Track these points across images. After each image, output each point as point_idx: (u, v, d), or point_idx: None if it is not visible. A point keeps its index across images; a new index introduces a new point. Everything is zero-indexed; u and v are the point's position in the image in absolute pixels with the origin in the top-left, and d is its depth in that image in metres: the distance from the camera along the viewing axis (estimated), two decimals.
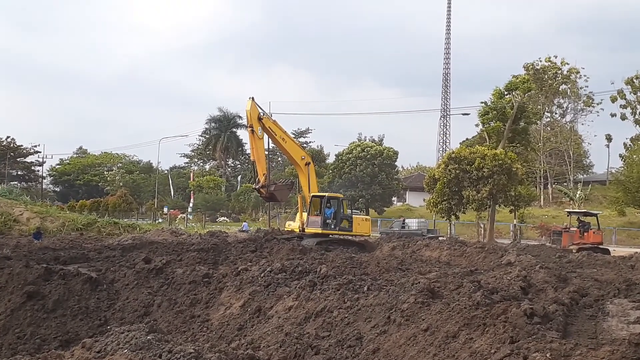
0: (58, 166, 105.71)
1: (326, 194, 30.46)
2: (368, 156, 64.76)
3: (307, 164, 30.66)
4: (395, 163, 69.96)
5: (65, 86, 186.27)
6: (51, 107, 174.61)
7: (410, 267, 17.57)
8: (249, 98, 28.57)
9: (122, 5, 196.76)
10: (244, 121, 35.01)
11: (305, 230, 29.27)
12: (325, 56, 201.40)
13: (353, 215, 30.48)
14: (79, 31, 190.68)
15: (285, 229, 31.97)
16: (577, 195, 60.04)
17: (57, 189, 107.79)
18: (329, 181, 66.56)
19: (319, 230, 28.48)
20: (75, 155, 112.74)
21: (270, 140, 31.55)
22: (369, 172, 64.04)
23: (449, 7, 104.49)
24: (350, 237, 29.13)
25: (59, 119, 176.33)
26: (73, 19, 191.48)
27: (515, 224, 51.44)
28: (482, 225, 48.99)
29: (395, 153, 67.33)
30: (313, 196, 29.91)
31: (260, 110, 28.98)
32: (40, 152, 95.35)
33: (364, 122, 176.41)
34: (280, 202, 41.22)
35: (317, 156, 73.36)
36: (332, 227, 28.75)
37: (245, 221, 59.31)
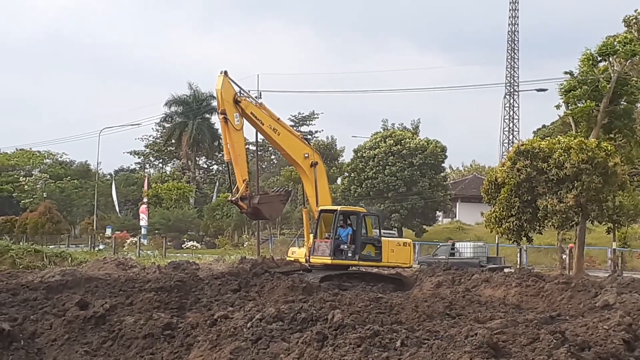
0: None
1: (338, 208, 30.55)
2: (404, 152, 64.61)
3: (314, 164, 30.65)
4: (443, 164, 70.07)
5: None
6: None
7: (463, 313, 17.55)
8: (220, 73, 28.71)
9: None
10: None
11: (311, 259, 29.31)
12: (337, 6, 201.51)
13: (383, 238, 30.45)
14: None
15: (288, 259, 32.06)
16: None
17: None
18: (343, 189, 66.55)
19: (328, 260, 28.50)
20: None
21: (257, 131, 31.61)
22: (406, 176, 63.86)
23: None
24: (377, 270, 29.24)
25: None
26: None
27: (614, 249, 51.25)
28: (566, 251, 48.83)
29: (443, 149, 67.33)
30: (321, 211, 29.97)
31: (236, 89, 29.08)
32: None
33: (391, 102, 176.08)
34: (270, 220, 41.26)
35: (327, 152, 73.47)
36: (349, 255, 28.76)
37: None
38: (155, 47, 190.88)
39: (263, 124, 29.66)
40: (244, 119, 29.07)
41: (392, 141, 65.82)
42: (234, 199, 28.85)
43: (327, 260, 28.56)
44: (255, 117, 29.35)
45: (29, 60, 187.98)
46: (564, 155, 40.24)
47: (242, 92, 29.57)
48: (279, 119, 30.61)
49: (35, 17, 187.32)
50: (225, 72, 28.57)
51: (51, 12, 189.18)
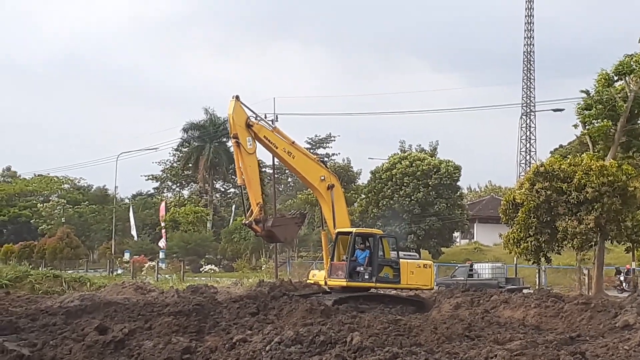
0: None
1: (353, 230, 30.52)
2: (419, 173, 64.68)
3: (330, 186, 30.64)
4: (458, 183, 69.94)
5: None
6: None
7: (482, 334, 17.50)
8: (232, 97, 28.89)
9: None
10: None
11: (327, 282, 29.37)
12: (351, 28, 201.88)
13: (402, 260, 30.39)
14: None
15: (308, 282, 32.09)
16: None
17: None
18: (360, 210, 66.50)
19: (344, 283, 28.53)
20: None
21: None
22: (422, 197, 63.87)
23: None
24: (396, 292, 29.19)
25: None
26: None
27: (634, 269, 50.99)
28: (585, 272, 48.60)
29: (457, 168, 67.26)
30: (338, 233, 29.99)
31: (248, 113, 29.20)
32: None
33: (408, 123, 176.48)
34: (285, 243, 41.36)
35: (343, 175, 73.44)
36: (366, 277, 28.77)
37: None
38: (171, 72, 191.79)
39: (277, 148, 29.74)
40: (258, 143, 29.22)
41: (407, 162, 65.84)
42: (247, 222, 28.86)
43: (343, 282, 28.62)
44: (269, 141, 29.44)
45: (46, 84, 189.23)
46: (585, 178, 40.11)
47: (254, 116, 29.69)
48: (293, 142, 30.63)
49: (52, 41, 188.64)
50: (237, 97, 28.73)
51: (68, 35, 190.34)
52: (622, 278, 48.51)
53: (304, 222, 34.41)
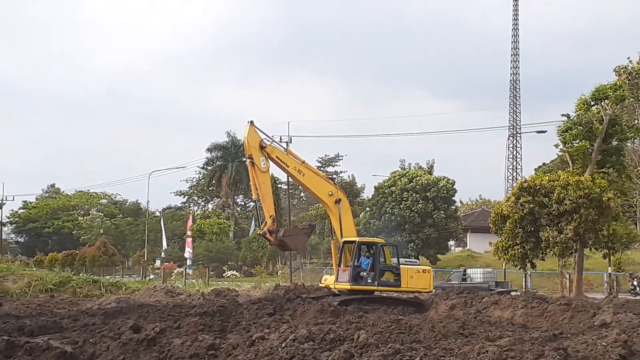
0: (21, 210, 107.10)
1: (356, 239, 30.47)
2: (418, 187, 64.63)
3: (338, 200, 30.66)
4: (454, 198, 69.80)
5: (28, 107, 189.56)
6: (11, 134, 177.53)
7: (474, 332, 17.42)
8: (247, 123, 29.11)
9: (97, 4, 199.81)
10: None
11: (335, 285, 29.42)
12: (360, 60, 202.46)
13: (402, 266, 30.35)
14: (43, 36, 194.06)
15: (321, 285, 32.11)
16: None
17: (21, 240, 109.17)
18: (364, 222, 66.45)
19: (347, 286, 28.55)
20: (44, 196, 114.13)
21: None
22: (420, 209, 63.84)
23: None
24: (397, 295, 29.13)
25: (21, 150, 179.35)
26: (36, 21, 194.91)
27: (610, 273, 50.75)
28: (567, 276, 48.40)
29: (453, 184, 67.16)
30: (345, 242, 30.06)
31: (262, 136, 29.36)
32: None
33: (408, 144, 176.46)
34: (296, 251, 41.49)
35: (349, 190, 73.38)
36: (369, 281, 28.81)
37: None
38: (199, 100, 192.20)
39: (288, 166, 29.93)
40: (271, 162, 29.43)
41: (406, 179, 65.91)
42: (262, 232, 29.11)
43: (347, 286, 28.67)
44: (281, 161, 29.66)
45: (88, 113, 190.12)
46: (563, 192, 40.12)
47: (269, 139, 29.91)
48: (304, 161, 30.78)
49: (94, 75, 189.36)
50: (252, 122, 29.02)
51: (108, 70, 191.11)
52: (635, 283, 48.54)
53: (312, 233, 34.42)
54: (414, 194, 64.26)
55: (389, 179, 68.25)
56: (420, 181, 65.25)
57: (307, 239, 33.76)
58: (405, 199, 64.18)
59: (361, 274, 28.87)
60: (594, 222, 40.62)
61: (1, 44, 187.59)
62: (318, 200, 34.95)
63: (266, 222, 28.58)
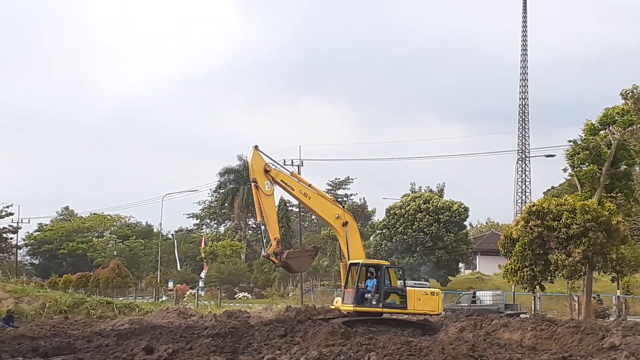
0: (36, 233, 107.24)
1: (360, 261, 30.28)
2: (430, 209, 64.50)
3: (345, 223, 30.62)
4: (465, 222, 69.62)
5: (43, 131, 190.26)
6: (26, 157, 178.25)
7: (484, 354, 17.38)
8: (252, 147, 29.42)
9: (113, 31, 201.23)
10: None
11: (340, 307, 29.36)
12: (370, 85, 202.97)
13: (409, 288, 30.25)
14: (60, 63, 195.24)
15: (332, 307, 32.03)
16: None
17: (36, 262, 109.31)
18: (375, 244, 66.31)
19: (351, 308, 28.52)
20: (58, 218, 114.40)
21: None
22: (432, 232, 63.68)
23: (524, 21, 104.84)
24: (407, 317, 29.03)
25: (36, 173, 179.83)
26: (52, 48, 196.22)
27: (618, 296, 50.50)
28: (575, 299, 48.17)
29: (466, 209, 66.98)
30: (351, 264, 29.99)
31: (266, 160, 29.58)
32: (13, 214, 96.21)
33: (418, 168, 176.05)
34: (300, 273, 41.59)
35: (359, 213, 73.37)
36: (374, 303, 28.69)
37: None
38: (211, 124, 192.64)
39: (294, 190, 30.11)
40: (276, 186, 29.55)
41: (420, 201, 65.77)
42: (266, 254, 29.46)
43: (351, 307, 28.62)
44: (286, 184, 29.84)
45: (102, 136, 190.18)
46: (571, 217, 40.05)
47: (274, 163, 30.07)
48: (310, 184, 30.91)
49: (109, 100, 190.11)
50: (256, 147, 29.37)
51: (123, 95, 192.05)
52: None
53: (317, 255, 34.38)
54: (427, 216, 64.14)
55: (401, 201, 68.17)
56: (434, 204, 65.13)
57: (312, 261, 33.74)
58: (419, 219, 64.02)
59: (365, 295, 28.73)
60: (602, 246, 40.47)
61: (19, 70, 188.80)
62: (325, 223, 34.98)
63: (271, 244, 28.76)
